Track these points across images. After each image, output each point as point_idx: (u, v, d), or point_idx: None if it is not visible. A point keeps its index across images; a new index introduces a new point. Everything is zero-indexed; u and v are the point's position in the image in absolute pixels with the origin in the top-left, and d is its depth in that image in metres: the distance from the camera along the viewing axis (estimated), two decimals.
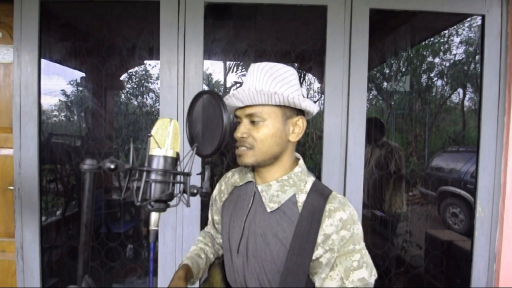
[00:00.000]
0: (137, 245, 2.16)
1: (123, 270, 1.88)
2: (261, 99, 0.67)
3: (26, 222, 1.48)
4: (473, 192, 1.59)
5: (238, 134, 0.70)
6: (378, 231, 2.26)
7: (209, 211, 0.92)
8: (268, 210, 0.70)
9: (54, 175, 2.24)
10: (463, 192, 3.16)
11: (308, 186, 0.71)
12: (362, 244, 0.66)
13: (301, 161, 0.75)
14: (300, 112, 0.72)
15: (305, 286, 0.64)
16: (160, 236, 1.50)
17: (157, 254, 1.51)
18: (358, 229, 0.66)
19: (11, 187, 1.52)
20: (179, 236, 1.50)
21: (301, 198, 0.69)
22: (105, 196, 2.58)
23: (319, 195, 0.68)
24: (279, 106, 0.69)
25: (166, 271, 1.51)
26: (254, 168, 0.76)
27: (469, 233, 1.63)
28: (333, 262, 0.64)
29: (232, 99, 0.70)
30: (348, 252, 0.63)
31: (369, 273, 0.63)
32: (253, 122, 0.69)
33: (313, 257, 0.64)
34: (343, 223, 0.64)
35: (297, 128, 0.71)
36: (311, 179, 0.73)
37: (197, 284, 0.84)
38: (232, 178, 0.84)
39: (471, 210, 2.97)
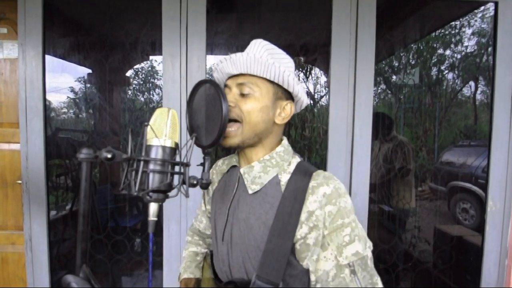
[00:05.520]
0: (143, 238, 2.18)
1: (130, 263, 1.91)
2: (257, 69, 0.65)
3: (34, 215, 1.51)
4: (485, 187, 1.55)
5: None
6: (386, 226, 2.22)
7: (202, 201, 0.91)
8: (250, 192, 0.67)
9: (62, 170, 2.28)
10: (474, 187, 3.08)
11: (292, 167, 0.68)
12: (352, 217, 0.62)
13: (285, 141, 0.72)
14: (290, 98, 0.71)
15: (285, 269, 0.61)
16: (164, 230, 1.50)
17: (162, 247, 1.52)
18: (346, 202, 0.62)
19: (20, 181, 1.54)
20: (184, 229, 1.50)
21: (284, 178, 0.67)
22: (112, 190, 2.61)
23: (303, 175, 0.65)
24: (272, 83, 0.67)
25: (171, 264, 1.52)
26: (239, 152, 0.74)
27: (480, 229, 1.59)
28: (321, 240, 0.61)
29: (227, 63, 0.67)
30: (337, 227, 0.60)
31: (363, 246, 0.61)
32: (242, 95, 0.67)
33: (298, 237, 0.61)
34: (327, 198, 0.61)
35: (284, 112, 0.69)
36: (295, 160, 0.70)
37: None
38: (223, 165, 0.82)
39: (482, 206, 2.90)
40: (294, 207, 0.62)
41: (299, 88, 0.68)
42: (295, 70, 0.75)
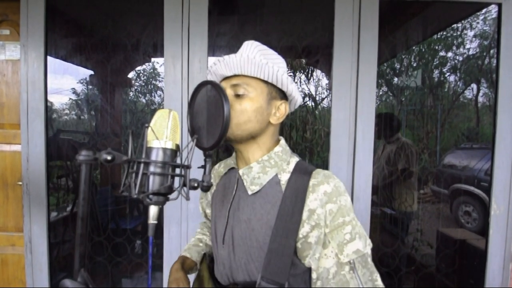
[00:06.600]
0: (144, 240, 2.17)
1: (130, 265, 1.90)
2: (251, 69, 0.65)
3: (34, 217, 1.50)
4: (487, 190, 1.53)
5: None
6: (388, 229, 2.21)
7: (199, 204, 0.91)
8: (250, 192, 0.68)
9: (63, 171, 2.28)
10: (476, 190, 3.06)
11: (291, 166, 0.68)
12: (352, 215, 0.63)
13: (283, 141, 0.73)
14: (284, 98, 0.71)
15: (290, 268, 0.61)
16: (165, 232, 1.49)
17: (162, 250, 1.51)
18: (346, 200, 0.63)
19: (20, 183, 1.54)
20: (184, 232, 1.49)
21: (284, 178, 0.67)
22: (113, 192, 2.60)
23: (303, 173, 0.66)
24: (266, 83, 0.68)
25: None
26: (236, 153, 0.74)
27: (482, 232, 1.58)
28: (323, 238, 0.62)
29: (221, 65, 0.67)
30: (338, 225, 0.61)
31: (364, 243, 0.62)
32: (237, 96, 0.67)
33: (300, 236, 0.62)
34: (328, 196, 0.62)
35: (279, 112, 0.69)
36: (294, 159, 0.70)
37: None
38: (219, 168, 0.83)
39: (484, 209, 2.88)
40: (296, 206, 0.62)
41: (292, 87, 0.69)
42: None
